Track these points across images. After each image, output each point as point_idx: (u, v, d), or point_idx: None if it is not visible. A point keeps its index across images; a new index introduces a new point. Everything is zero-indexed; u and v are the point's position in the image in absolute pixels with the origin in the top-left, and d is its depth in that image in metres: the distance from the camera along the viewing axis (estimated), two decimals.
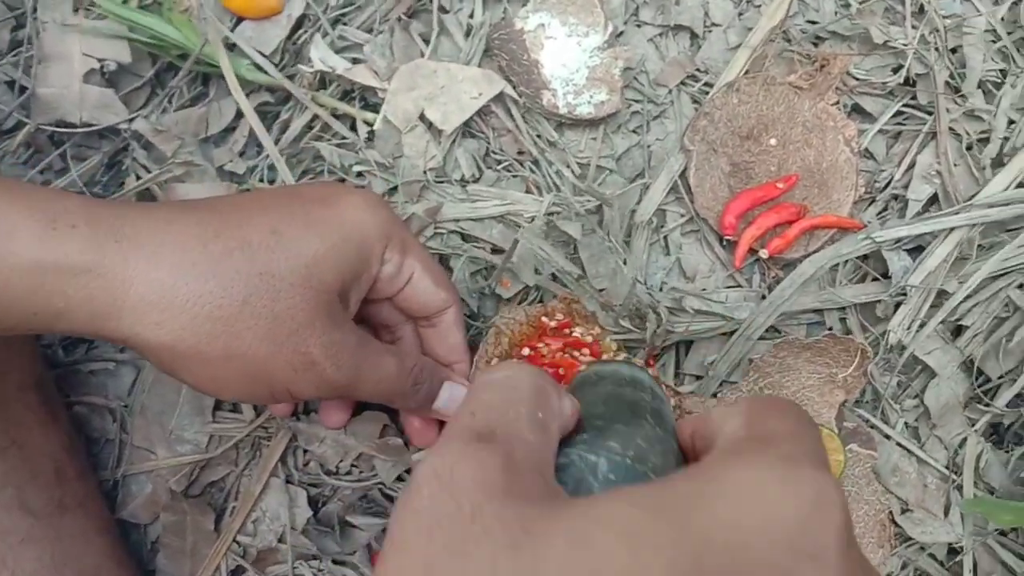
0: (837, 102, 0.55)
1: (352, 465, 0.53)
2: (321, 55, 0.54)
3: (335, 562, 0.52)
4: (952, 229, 0.53)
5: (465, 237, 0.53)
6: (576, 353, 0.50)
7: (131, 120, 0.55)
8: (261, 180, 0.55)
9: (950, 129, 0.55)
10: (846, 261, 0.53)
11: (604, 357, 0.49)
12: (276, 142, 0.54)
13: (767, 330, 0.52)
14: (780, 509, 0.21)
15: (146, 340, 0.36)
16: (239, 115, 0.55)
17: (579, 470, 0.29)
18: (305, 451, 0.53)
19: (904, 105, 0.56)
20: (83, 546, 0.48)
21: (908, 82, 0.56)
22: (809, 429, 0.27)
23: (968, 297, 0.53)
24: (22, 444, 0.47)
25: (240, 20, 0.55)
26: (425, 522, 0.22)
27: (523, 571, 0.20)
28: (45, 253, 0.34)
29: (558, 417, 0.30)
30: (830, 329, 0.53)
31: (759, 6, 0.57)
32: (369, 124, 0.54)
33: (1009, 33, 0.56)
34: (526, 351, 0.49)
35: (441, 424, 0.50)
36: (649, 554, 0.20)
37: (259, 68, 0.54)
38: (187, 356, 0.37)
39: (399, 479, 0.53)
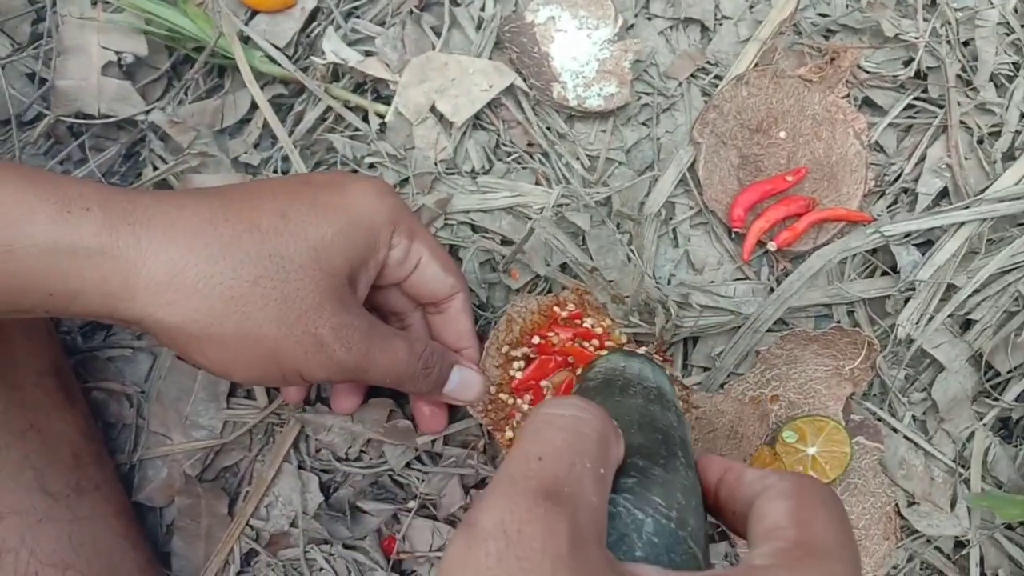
0: (847, 95, 0.55)
1: (362, 451, 0.54)
2: (334, 48, 0.55)
3: (346, 546, 0.53)
4: (962, 224, 0.53)
5: (475, 228, 0.54)
6: (586, 343, 0.50)
7: (148, 112, 0.56)
8: (275, 171, 0.55)
9: (961, 123, 0.55)
10: (855, 255, 0.53)
11: (626, 346, 0.49)
12: (290, 134, 0.55)
13: (775, 323, 0.52)
14: None
15: (159, 320, 0.37)
16: (254, 107, 0.56)
17: (625, 525, 0.28)
18: (315, 439, 0.54)
19: (915, 98, 0.56)
20: (100, 528, 0.49)
21: (919, 75, 0.56)
22: (852, 538, 0.27)
23: (977, 291, 0.53)
24: (41, 428, 0.48)
25: (254, 13, 0.56)
26: (494, 571, 0.22)
27: None
28: (60, 235, 0.35)
29: (615, 465, 0.29)
30: (838, 322, 0.53)
31: None
32: (381, 116, 0.55)
33: (1022, 26, 0.56)
34: (537, 339, 0.50)
35: (450, 409, 0.51)
36: None
37: (273, 61, 0.55)
38: (199, 337, 0.38)
39: (408, 466, 0.53)
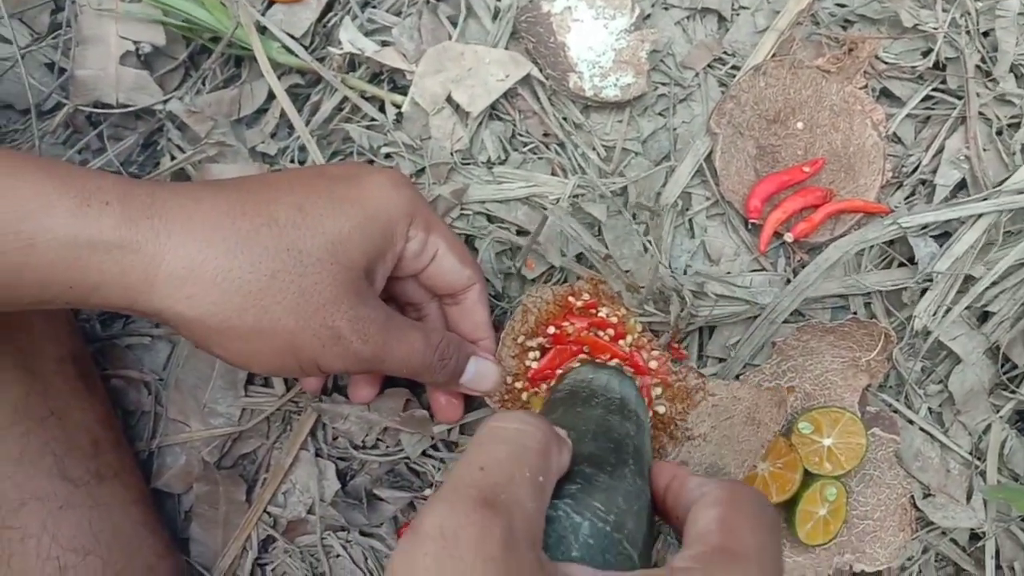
0: (865, 86, 0.55)
1: (378, 439, 0.54)
2: (350, 38, 0.55)
3: (363, 533, 0.54)
4: (980, 215, 0.52)
5: (491, 218, 0.54)
6: (600, 332, 0.50)
7: (166, 101, 0.56)
8: (292, 161, 0.56)
9: (980, 114, 0.54)
10: (872, 246, 0.53)
11: (640, 336, 0.50)
12: (306, 123, 0.55)
13: (791, 314, 0.52)
14: None
15: (178, 313, 0.37)
16: (271, 97, 0.56)
17: (564, 528, 0.31)
18: (332, 427, 0.54)
19: (933, 89, 0.55)
20: (119, 514, 0.50)
21: (938, 66, 0.55)
22: (774, 545, 0.30)
23: (994, 283, 0.53)
24: (61, 415, 0.49)
25: (271, 3, 0.56)
26: (432, 572, 0.24)
27: None
28: (80, 229, 0.36)
29: (557, 473, 0.32)
30: (854, 313, 0.53)
31: None
32: (397, 106, 0.55)
33: None
34: (552, 329, 0.50)
35: (467, 399, 0.51)
36: None
37: (290, 51, 0.55)
38: (218, 329, 0.38)
39: (424, 454, 0.54)
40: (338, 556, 0.53)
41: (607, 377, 0.45)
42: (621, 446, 0.38)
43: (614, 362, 0.49)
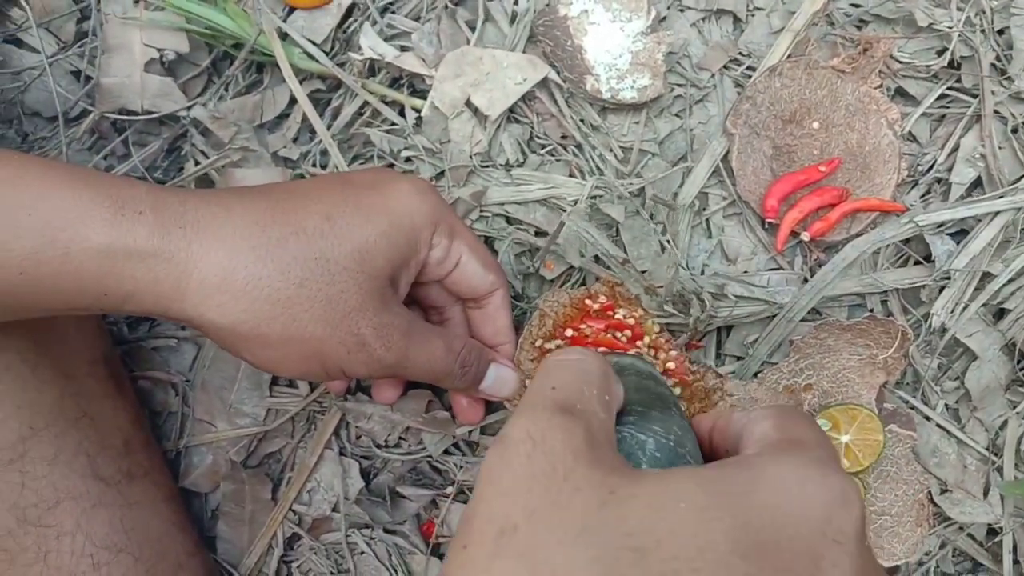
0: (880, 85, 0.55)
1: (400, 438, 0.55)
2: (370, 43, 0.56)
3: (386, 531, 0.55)
4: (997, 213, 0.53)
5: (510, 220, 0.55)
6: (618, 334, 0.51)
7: (189, 108, 0.57)
8: (314, 165, 0.56)
9: (995, 112, 0.55)
10: (888, 244, 0.54)
11: (658, 336, 0.51)
12: (328, 128, 0.56)
13: (808, 312, 0.53)
14: (813, 501, 0.26)
15: (210, 321, 0.39)
16: (292, 102, 0.57)
17: (630, 446, 0.33)
18: (356, 426, 0.55)
19: (948, 88, 0.56)
20: (150, 513, 0.51)
21: (952, 65, 0.56)
22: (828, 439, 0.32)
23: (1011, 280, 0.53)
24: (93, 416, 0.50)
25: (292, 10, 0.57)
26: (523, 475, 0.26)
27: (610, 525, 0.24)
28: (114, 238, 0.37)
29: (616, 400, 0.34)
30: (871, 311, 0.54)
31: None
32: (417, 110, 0.56)
33: None
34: (570, 332, 0.51)
35: (487, 401, 0.52)
36: (713, 523, 0.24)
37: (311, 56, 0.56)
38: (247, 337, 0.39)
39: (446, 453, 0.55)
40: (362, 553, 0.54)
41: (630, 360, 0.47)
42: (663, 398, 0.40)
43: (632, 351, 0.50)
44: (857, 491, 0.27)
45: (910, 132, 0.56)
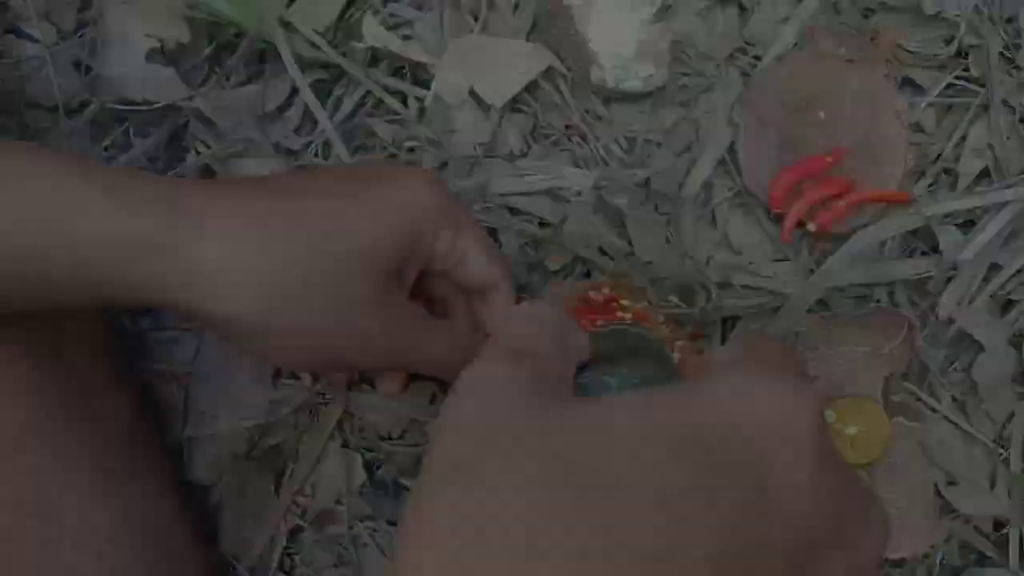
0: (887, 75, 0.55)
1: (404, 430, 0.55)
2: (373, 32, 0.56)
3: (390, 523, 0.54)
4: (1005, 203, 0.52)
5: (513, 211, 0.54)
6: None
7: (191, 98, 0.57)
8: (316, 155, 0.56)
9: (1003, 102, 0.54)
10: (895, 235, 0.53)
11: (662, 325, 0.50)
12: (330, 118, 0.56)
13: (814, 303, 0.52)
14: (764, 403, 0.25)
15: (214, 313, 0.38)
16: (294, 92, 0.57)
17: (594, 390, 0.33)
18: (359, 418, 0.55)
19: (956, 77, 0.55)
20: (153, 505, 0.51)
21: (960, 54, 0.55)
22: (793, 353, 0.32)
23: (1019, 272, 0.53)
24: (95, 408, 0.50)
25: None
26: (471, 416, 0.27)
27: (550, 449, 0.24)
28: (120, 231, 0.36)
29: (575, 348, 0.33)
30: (878, 302, 0.53)
31: None
32: (420, 100, 0.55)
33: None
34: None
35: None
36: (658, 435, 0.24)
37: (313, 45, 0.55)
38: (252, 330, 0.39)
39: None
40: (366, 545, 0.54)
41: (625, 326, 0.45)
42: (639, 349, 0.39)
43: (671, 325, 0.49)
44: (814, 396, 0.27)
45: (917, 122, 0.55)
